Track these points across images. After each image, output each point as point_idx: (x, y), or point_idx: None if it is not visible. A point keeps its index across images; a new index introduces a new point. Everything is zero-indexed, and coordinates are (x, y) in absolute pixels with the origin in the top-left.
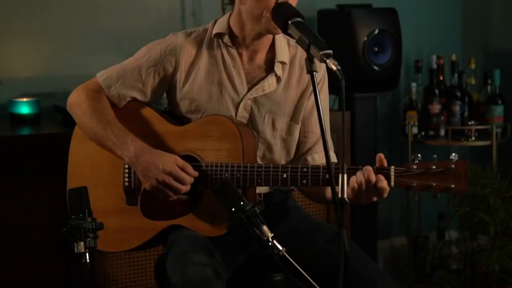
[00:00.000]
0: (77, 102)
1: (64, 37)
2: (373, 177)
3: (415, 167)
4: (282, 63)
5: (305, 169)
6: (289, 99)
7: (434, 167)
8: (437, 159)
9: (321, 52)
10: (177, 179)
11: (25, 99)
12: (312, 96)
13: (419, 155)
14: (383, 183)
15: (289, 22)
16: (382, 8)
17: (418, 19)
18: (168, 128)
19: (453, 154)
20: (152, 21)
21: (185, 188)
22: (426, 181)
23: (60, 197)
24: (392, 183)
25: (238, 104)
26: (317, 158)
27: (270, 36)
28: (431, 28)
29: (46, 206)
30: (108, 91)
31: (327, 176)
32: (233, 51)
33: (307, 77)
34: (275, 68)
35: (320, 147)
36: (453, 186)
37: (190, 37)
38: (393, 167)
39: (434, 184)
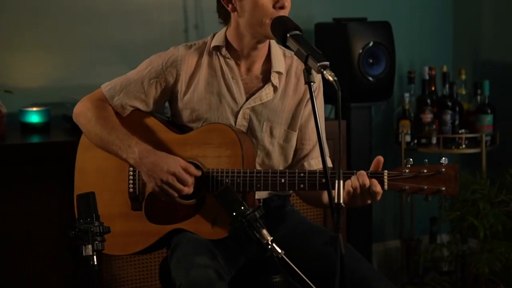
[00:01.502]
0: (82, 111)
1: (72, 49)
2: (367, 182)
3: (407, 171)
4: (279, 73)
5: (302, 174)
6: (286, 107)
7: (425, 170)
8: (428, 163)
9: (318, 64)
10: (180, 180)
11: (35, 109)
12: (309, 104)
13: (411, 159)
14: (377, 187)
15: (288, 35)
16: (377, 21)
17: (410, 32)
18: (171, 136)
19: (443, 158)
20: (156, 33)
21: (187, 190)
22: (418, 184)
23: (68, 201)
24: (386, 187)
25: (237, 113)
26: (313, 163)
27: (266, 47)
28: (423, 40)
29: (55, 210)
30: (112, 101)
31: (323, 180)
32: (231, 63)
33: (303, 86)
34: (272, 78)
35: (315, 153)
36: (443, 188)
37: (190, 49)
38: (386, 171)
39: (425, 187)
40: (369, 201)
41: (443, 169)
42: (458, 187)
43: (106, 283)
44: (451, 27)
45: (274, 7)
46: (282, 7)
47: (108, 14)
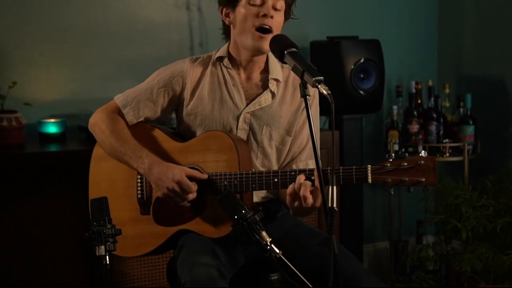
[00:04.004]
0: (97, 123)
1: (87, 65)
2: (307, 194)
3: (388, 165)
4: (276, 80)
5: (293, 173)
6: (283, 113)
7: (405, 163)
8: (408, 157)
9: (313, 78)
10: (185, 187)
11: (52, 120)
12: (304, 112)
13: (393, 154)
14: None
15: (285, 52)
16: (367, 39)
17: (398, 50)
18: (173, 145)
19: (422, 151)
20: (164, 50)
21: (192, 196)
22: (399, 176)
23: (82, 205)
24: (370, 180)
25: (238, 117)
26: (301, 166)
27: (263, 58)
28: (410, 57)
29: (70, 213)
30: (124, 110)
31: (312, 178)
32: (233, 72)
33: (299, 95)
34: (270, 85)
35: (303, 156)
36: (423, 179)
37: (195, 62)
38: (369, 166)
39: (406, 179)
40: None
41: (422, 161)
42: (437, 177)
43: (117, 281)
44: (436, 44)
45: (258, 15)
46: (265, 15)
47: (119, 33)
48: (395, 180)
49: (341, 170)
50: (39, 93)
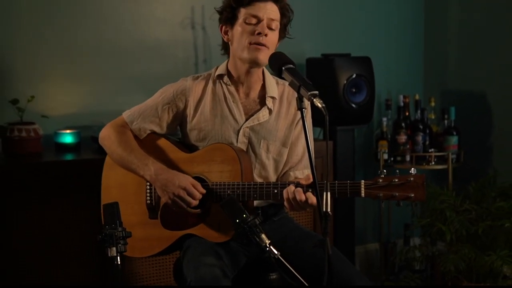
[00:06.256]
0: (106, 136)
1: (99, 80)
2: (303, 197)
3: (381, 180)
4: (272, 97)
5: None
6: (279, 127)
7: (396, 180)
8: (399, 174)
9: (309, 93)
10: (189, 194)
11: (67, 131)
12: (299, 125)
13: (385, 170)
14: (313, 199)
15: (283, 68)
16: (359, 56)
17: (388, 66)
18: (180, 155)
19: (412, 169)
20: (171, 66)
21: (195, 202)
22: (390, 192)
23: (95, 210)
24: (363, 194)
25: (238, 131)
26: (298, 174)
27: (259, 75)
28: (398, 73)
29: (84, 217)
30: (131, 126)
31: (310, 190)
32: (232, 89)
33: (294, 109)
34: (267, 102)
35: (300, 165)
36: (412, 195)
37: (197, 80)
38: (363, 181)
39: (397, 194)
40: (307, 209)
41: (412, 178)
42: (425, 193)
43: (127, 280)
44: (422, 61)
45: (253, 33)
46: (259, 33)
47: (130, 51)
48: (386, 195)
49: (336, 184)
50: (55, 106)
